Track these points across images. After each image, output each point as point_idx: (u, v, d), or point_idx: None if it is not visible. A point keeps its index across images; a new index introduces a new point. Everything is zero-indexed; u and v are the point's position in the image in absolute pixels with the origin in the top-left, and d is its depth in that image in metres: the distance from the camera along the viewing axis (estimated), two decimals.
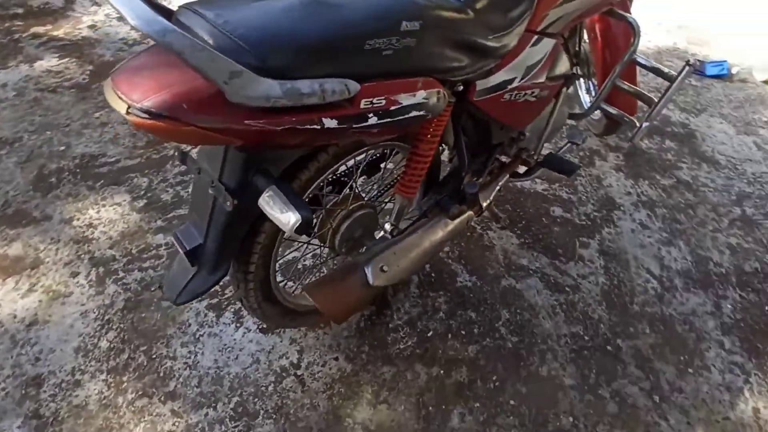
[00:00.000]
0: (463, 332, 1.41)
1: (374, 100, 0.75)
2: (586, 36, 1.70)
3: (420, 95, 0.82)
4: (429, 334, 1.40)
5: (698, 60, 2.66)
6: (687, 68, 1.37)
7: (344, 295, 0.93)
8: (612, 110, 1.57)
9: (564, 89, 1.31)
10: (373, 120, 0.76)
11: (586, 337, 1.42)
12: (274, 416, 1.21)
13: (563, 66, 1.24)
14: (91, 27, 2.72)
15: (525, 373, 1.33)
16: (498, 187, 1.35)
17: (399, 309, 1.46)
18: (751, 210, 1.87)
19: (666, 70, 1.49)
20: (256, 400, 1.24)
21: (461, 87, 0.98)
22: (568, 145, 1.49)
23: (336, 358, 1.33)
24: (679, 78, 1.40)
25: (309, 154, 0.91)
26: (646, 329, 1.46)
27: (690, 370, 1.37)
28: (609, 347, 1.41)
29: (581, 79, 1.95)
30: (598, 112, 1.75)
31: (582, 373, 1.34)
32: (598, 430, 1.23)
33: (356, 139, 0.82)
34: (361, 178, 1.33)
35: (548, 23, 1.09)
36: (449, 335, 1.40)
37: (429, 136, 1.01)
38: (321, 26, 0.67)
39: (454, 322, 1.43)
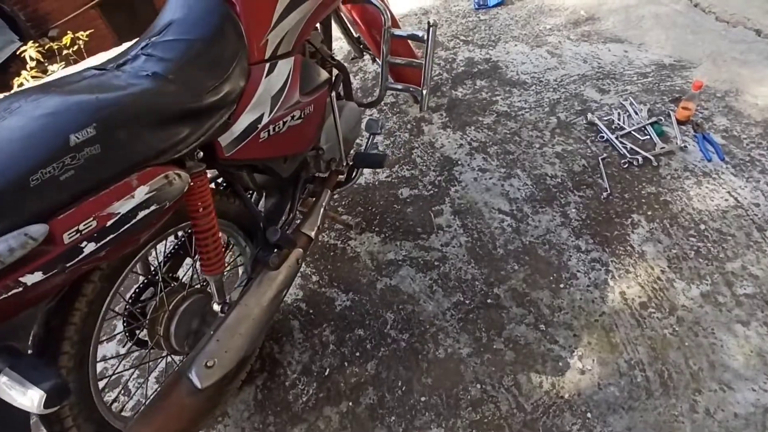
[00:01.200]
0: (357, 354, 1.39)
1: (81, 227, 0.67)
2: (354, 28, 1.72)
3: (141, 192, 0.75)
4: (326, 373, 1.36)
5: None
6: (431, 29, 1.43)
7: (177, 416, 0.85)
8: (399, 86, 1.61)
9: (333, 93, 1.30)
10: (91, 247, 0.68)
11: (467, 301, 1.47)
12: None
13: (316, 75, 1.23)
14: None
15: (426, 364, 1.34)
16: (322, 209, 1.32)
17: (290, 362, 1.41)
18: (564, 114, 2.04)
19: (420, 34, 1.54)
20: None
21: (200, 153, 0.92)
22: (371, 137, 1.51)
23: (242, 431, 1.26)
24: (430, 40, 1.46)
25: (69, 293, 0.81)
26: (515, 266, 1.53)
27: (561, 286, 1.46)
28: (489, 300, 1.46)
29: (376, 64, 1.98)
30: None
31: (474, 337, 1.38)
32: (504, 384, 1.27)
33: (93, 267, 0.74)
34: (183, 263, 1.24)
35: (274, 47, 1.06)
36: (345, 363, 1.37)
37: (199, 211, 0.95)
38: None
39: (346, 348, 1.41)
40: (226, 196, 1.10)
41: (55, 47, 3.67)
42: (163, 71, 0.84)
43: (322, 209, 1.31)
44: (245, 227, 1.20)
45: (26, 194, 0.62)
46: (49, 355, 0.80)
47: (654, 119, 1.91)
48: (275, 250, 1.11)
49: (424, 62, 1.49)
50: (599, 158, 1.81)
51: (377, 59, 1.93)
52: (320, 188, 1.39)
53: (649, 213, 1.61)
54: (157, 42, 0.91)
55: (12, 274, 0.60)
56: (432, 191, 1.83)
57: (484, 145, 1.97)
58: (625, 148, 1.82)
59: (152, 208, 0.76)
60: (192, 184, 0.91)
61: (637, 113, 1.97)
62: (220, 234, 1.01)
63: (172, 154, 0.82)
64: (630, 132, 1.89)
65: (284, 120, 1.10)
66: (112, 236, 0.71)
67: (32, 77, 3.34)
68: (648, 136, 1.86)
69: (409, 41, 1.77)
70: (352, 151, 1.52)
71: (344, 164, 1.43)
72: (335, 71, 1.42)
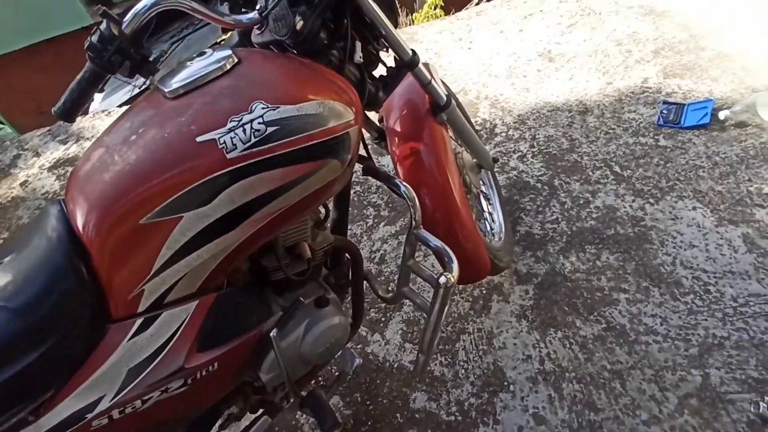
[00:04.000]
0: None
1: None
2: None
3: None
4: None
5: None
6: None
7: None
8: (417, 299, 1.11)
9: (271, 335, 0.91)
10: None
11: None
12: None
13: (247, 315, 0.86)
14: (23, 184, 2.79)
15: None
16: None
17: None
18: (720, 375, 1.23)
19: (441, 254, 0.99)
20: None
21: None
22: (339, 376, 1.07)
23: None
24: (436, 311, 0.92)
25: None
26: None
27: None
28: None
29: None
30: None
31: None
32: None
33: None
34: None
35: (156, 296, 0.73)
36: None
37: None
38: None
39: None
40: None
41: None
42: None
43: None
44: None
45: None
46: None
47: None
48: None
49: (427, 317, 0.97)
50: None
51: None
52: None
53: None
54: None
55: None
56: (454, 418, 1.29)
57: (561, 373, 1.32)
58: None
59: None
60: None
61: None
62: None
63: None
64: None
65: (145, 398, 0.77)
66: None
67: None
68: None
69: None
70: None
71: (293, 396, 1.04)
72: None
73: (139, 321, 0.73)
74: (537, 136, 2.07)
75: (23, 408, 0.67)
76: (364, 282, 1.21)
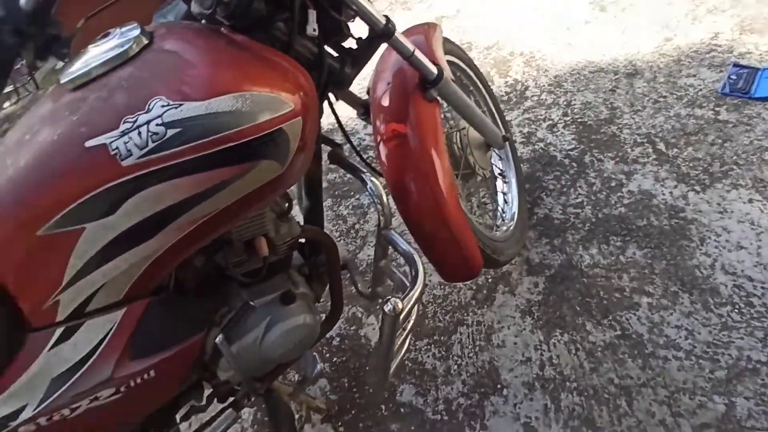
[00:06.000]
0: None
1: None
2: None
3: None
4: None
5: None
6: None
7: None
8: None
9: (216, 341, 0.83)
10: None
11: None
12: None
13: (187, 320, 0.80)
14: None
15: None
16: None
17: None
18: (747, 405, 1.06)
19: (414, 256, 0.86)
20: None
21: None
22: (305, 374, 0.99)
23: None
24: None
25: None
26: None
27: None
28: None
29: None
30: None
31: None
32: None
33: None
34: None
35: (75, 305, 0.67)
36: None
37: None
38: None
39: None
40: None
41: None
42: None
43: None
44: None
45: None
46: None
47: None
48: None
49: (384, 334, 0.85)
50: None
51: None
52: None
53: None
54: None
55: None
56: (441, 417, 1.22)
57: (561, 381, 1.19)
58: None
59: None
60: None
61: None
62: None
63: None
64: None
65: (73, 407, 0.73)
66: None
67: None
68: None
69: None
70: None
71: (256, 392, 0.99)
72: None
73: (59, 330, 0.68)
74: (572, 102, 1.81)
75: None
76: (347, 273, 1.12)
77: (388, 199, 0.91)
